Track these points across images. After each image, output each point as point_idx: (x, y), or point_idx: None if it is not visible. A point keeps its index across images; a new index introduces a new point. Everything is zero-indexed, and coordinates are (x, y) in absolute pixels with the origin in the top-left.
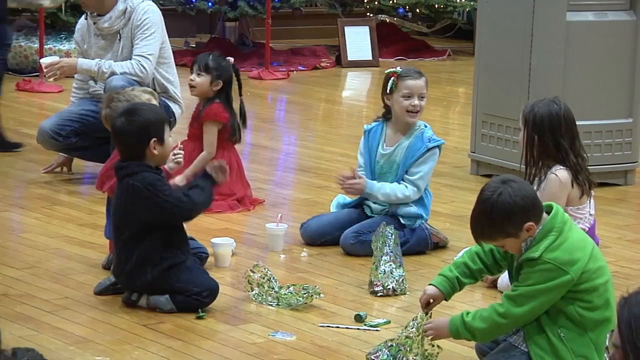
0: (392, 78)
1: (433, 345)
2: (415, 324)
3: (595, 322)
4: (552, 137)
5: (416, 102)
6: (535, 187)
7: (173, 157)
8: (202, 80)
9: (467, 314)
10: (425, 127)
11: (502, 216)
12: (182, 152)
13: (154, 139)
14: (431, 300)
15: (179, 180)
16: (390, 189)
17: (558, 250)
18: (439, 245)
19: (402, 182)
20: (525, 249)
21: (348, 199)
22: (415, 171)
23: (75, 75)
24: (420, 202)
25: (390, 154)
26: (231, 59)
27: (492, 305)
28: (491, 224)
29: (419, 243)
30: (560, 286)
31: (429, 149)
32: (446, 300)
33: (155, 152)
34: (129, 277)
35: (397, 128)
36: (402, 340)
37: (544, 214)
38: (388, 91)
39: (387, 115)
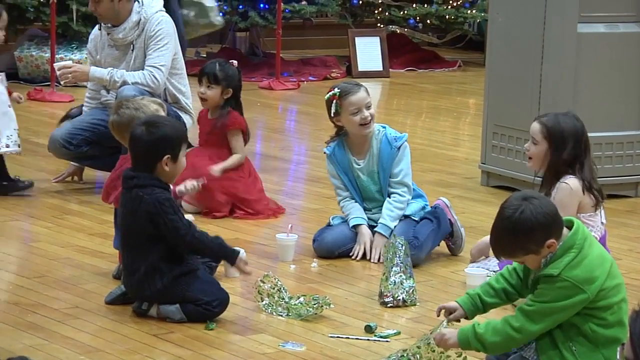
0: (334, 101)
1: (460, 355)
2: (428, 336)
3: (607, 339)
4: (574, 151)
5: (366, 113)
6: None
7: (190, 187)
8: (213, 92)
9: (479, 325)
10: (384, 128)
11: (524, 234)
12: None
13: (167, 156)
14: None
15: (216, 171)
16: (392, 211)
17: (578, 268)
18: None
19: (389, 189)
20: (545, 264)
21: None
22: (397, 172)
23: (88, 85)
24: (414, 195)
25: (367, 166)
26: (234, 62)
27: (506, 318)
28: (513, 241)
29: (445, 221)
30: (576, 304)
31: (399, 148)
32: (468, 318)
33: (167, 168)
34: (138, 287)
35: (358, 141)
36: (413, 349)
37: (565, 229)
38: (333, 115)
39: (340, 133)
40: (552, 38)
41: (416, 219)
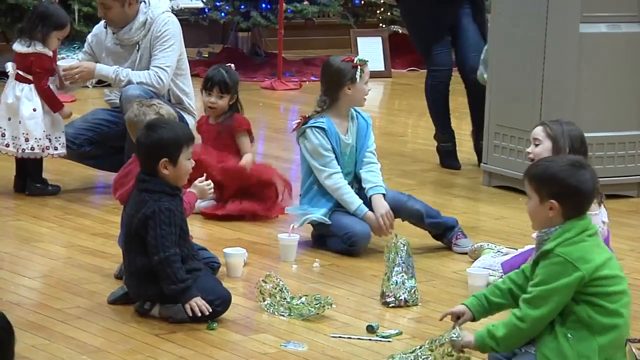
0: (359, 67)
1: (463, 351)
2: (439, 340)
3: (604, 327)
4: (576, 151)
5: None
6: None
7: (206, 187)
8: (223, 101)
9: (492, 325)
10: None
11: (548, 175)
12: (212, 184)
13: (164, 159)
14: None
15: (247, 161)
16: (378, 176)
17: (572, 247)
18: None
19: (364, 160)
20: (543, 244)
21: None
22: (370, 143)
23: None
24: None
25: (352, 142)
26: (233, 66)
27: (512, 310)
28: (542, 170)
29: (451, 223)
30: (572, 284)
31: (370, 124)
32: (474, 320)
33: (166, 172)
34: (140, 287)
35: (342, 116)
36: (424, 352)
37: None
38: (350, 82)
39: (328, 107)
40: (554, 38)
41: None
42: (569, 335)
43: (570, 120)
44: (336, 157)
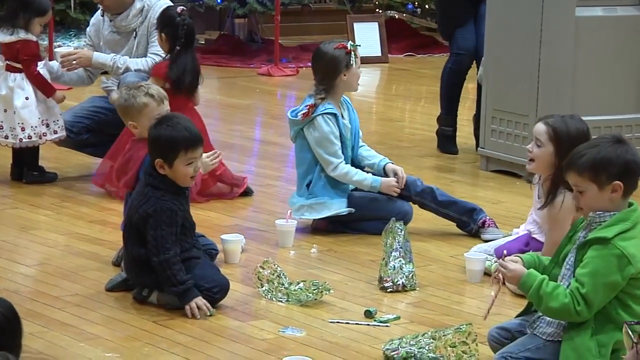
0: (352, 53)
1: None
2: (443, 331)
3: None
4: None
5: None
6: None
7: (209, 161)
8: None
9: (547, 282)
10: None
11: (602, 159)
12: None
13: (159, 159)
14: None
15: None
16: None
17: (629, 241)
18: None
19: (359, 148)
20: (595, 225)
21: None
22: (360, 131)
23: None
24: None
25: (350, 126)
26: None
27: (573, 293)
28: (591, 159)
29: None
30: (625, 278)
31: (349, 104)
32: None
33: (163, 171)
34: (139, 273)
35: (337, 102)
36: (426, 340)
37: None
38: (345, 67)
39: (326, 95)
40: (550, 22)
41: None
42: (593, 325)
43: (575, 114)
44: (342, 144)
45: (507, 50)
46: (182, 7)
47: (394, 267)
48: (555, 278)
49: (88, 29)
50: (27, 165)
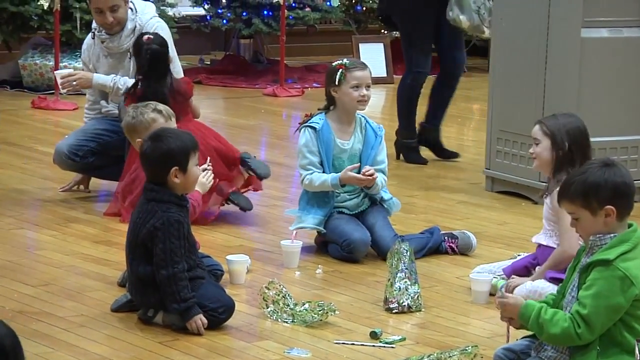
0: (340, 70)
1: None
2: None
3: (632, 347)
4: (580, 149)
5: (365, 91)
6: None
7: (206, 181)
8: None
9: (546, 310)
10: (363, 117)
11: (591, 185)
12: (210, 169)
13: (175, 168)
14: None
15: None
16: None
17: (631, 262)
18: (457, 251)
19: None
20: (596, 249)
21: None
22: (380, 160)
23: (87, 95)
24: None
25: (351, 147)
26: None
27: (573, 317)
28: (580, 187)
29: (436, 242)
30: (629, 300)
31: (381, 138)
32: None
33: (177, 180)
34: (144, 294)
35: (342, 120)
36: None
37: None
38: (337, 83)
39: (328, 108)
40: (555, 43)
41: (387, 206)
42: (598, 347)
43: (569, 112)
44: (323, 161)
45: (513, 72)
46: (149, 35)
47: (400, 288)
48: (563, 308)
49: (82, 56)
50: None
